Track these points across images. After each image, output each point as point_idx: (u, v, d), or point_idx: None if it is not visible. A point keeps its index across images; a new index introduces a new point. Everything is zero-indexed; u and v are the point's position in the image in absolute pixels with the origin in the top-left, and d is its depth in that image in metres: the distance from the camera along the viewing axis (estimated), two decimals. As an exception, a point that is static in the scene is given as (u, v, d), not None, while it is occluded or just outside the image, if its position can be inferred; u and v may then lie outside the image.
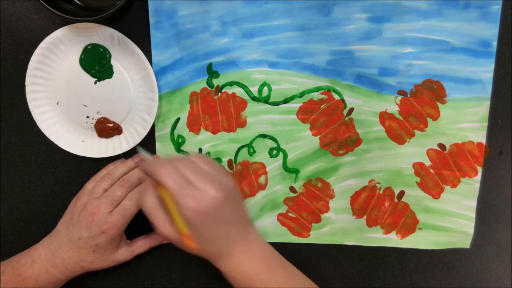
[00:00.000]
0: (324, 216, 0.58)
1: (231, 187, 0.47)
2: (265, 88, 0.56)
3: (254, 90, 0.56)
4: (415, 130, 0.56)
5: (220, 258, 0.48)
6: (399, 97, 0.55)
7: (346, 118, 0.56)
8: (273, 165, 0.58)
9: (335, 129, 0.57)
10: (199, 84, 0.56)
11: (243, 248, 0.48)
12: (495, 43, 0.53)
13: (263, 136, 0.57)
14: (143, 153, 0.52)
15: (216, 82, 0.56)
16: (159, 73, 0.55)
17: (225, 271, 0.48)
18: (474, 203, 0.57)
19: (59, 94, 0.55)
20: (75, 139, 0.57)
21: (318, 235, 0.59)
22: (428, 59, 0.54)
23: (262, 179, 0.58)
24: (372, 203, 0.58)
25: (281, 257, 0.51)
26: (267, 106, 0.56)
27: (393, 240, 0.58)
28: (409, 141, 0.56)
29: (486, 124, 0.55)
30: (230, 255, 0.47)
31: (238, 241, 0.48)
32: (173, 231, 0.46)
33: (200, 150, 0.57)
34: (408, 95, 0.55)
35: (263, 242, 0.50)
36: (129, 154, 0.56)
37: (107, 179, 0.54)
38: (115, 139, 0.57)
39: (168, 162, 0.46)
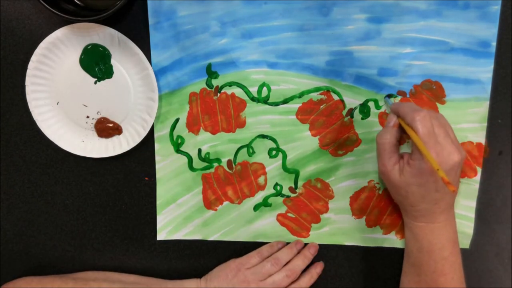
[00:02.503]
0: (323, 216, 0.58)
1: (463, 159, 0.49)
2: (265, 88, 0.56)
3: (254, 90, 0.56)
4: (414, 130, 0.56)
5: (421, 218, 0.51)
6: (399, 98, 0.55)
7: (346, 119, 0.56)
8: (273, 166, 0.58)
9: (335, 130, 0.57)
10: (199, 85, 0.56)
11: (443, 220, 0.51)
12: (494, 43, 0.53)
13: (263, 136, 0.57)
14: (388, 103, 0.54)
15: (215, 82, 0.56)
16: (159, 73, 0.55)
17: (417, 230, 0.52)
18: (473, 203, 0.57)
19: (59, 94, 0.56)
20: (75, 139, 0.57)
21: (318, 236, 0.59)
22: (427, 59, 0.54)
23: (261, 180, 0.58)
24: (371, 203, 0.58)
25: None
26: (267, 106, 0.56)
27: (392, 240, 0.58)
28: (408, 141, 0.56)
29: (485, 124, 0.55)
30: (430, 221, 0.51)
31: (443, 213, 0.50)
32: (392, 169, 0.50)
33: (200, 150, 0.57)
34: (408, 96, 0.55)
35: (456, 226, 0.53)
36: (129, 154, 0.57)
37: (275, 265, 0.56)
38: (115, 139, 0.57)
39: (424, 111, 0.47)
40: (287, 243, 0.59)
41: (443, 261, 0.51)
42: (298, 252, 0.58)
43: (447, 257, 0.51)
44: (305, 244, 0.59)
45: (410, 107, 0.48)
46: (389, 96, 0.55)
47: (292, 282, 0.56)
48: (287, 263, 0.56)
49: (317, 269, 0.58)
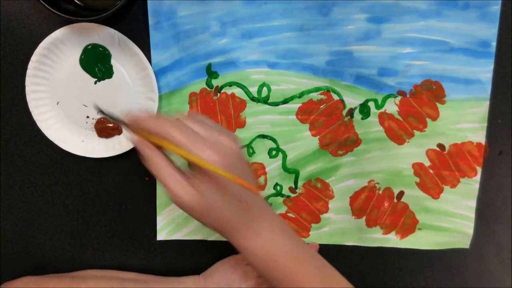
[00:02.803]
0: (323, 216, 0.58)
1: (240, 141, 0.42)
2: (265, 88, 0.56)
3: (254, 90, 0.56)
4: (414, 131, 0.56)
5: (242, 228, 0.43)
6: (399, 98, 0.55)
7: (346, 119, 0.56)
8: (273, 166, 0.58)
9: (335, 130, 0.57)
10: (199, 85, 0.56)
11: (264, 218, 0.44)
12: (494, 43, 0.53)
13: (263, 136, 0.57)
14: (111, 114, 0.45)
15: (215, 82, 0.56)
16: (159, 73, 0.55)
17: (246, 243, 0.43)
18: (473, 203, 0.57)
19: (59, 94, 0.56)
20: (75, 139, 0.57)
21: (318, 236, 0.59)
22: (427, 59, 0.54)
23: (261, 180, 0.58)
24: (371, 203, 0.58)
25: (295, 233, 0.47)
26: (267, 106, 0.56)
27: (392, 240, 0.58)
28: (408, 142, 0.56)
29: (485, 124, 0.55)
30: (252, 225, 0.43)
31: (262, 214, 0.44)
32: (189, 190, 0.39)
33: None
34: (408, 96, 0.55)
35: (275, 213, 0.47)
36: (129, 154, 0.57)
37: None
38: (115, 139, 0.57)
39: (172, 118, 0.40)
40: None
41: (288, 259, 0.44)
42: None
43: (288, 253, 0.44)
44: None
45: (151, 119, 0.40)
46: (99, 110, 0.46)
47: None
48: None
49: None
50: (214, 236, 0.59)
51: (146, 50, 0.54)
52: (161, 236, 0.59)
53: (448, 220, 0.57)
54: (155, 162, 0.40)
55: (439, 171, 0.56)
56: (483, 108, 0.55)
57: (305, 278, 0.44)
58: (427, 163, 0.56)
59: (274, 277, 0.44)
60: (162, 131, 0.39)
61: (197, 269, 0.60)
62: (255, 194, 0.41)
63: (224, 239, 0.59)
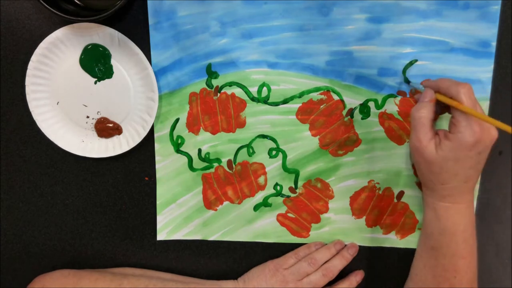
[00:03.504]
0: (323, 216, 0.58)
1: (494, 140, 0.48)
2: (265, 88, 0.56)
3: (254, 90, 0.56)
4: (414, 130, 0.56)
5: (448, 197, 0.50)
6: (399, 98, 0.55)
7: (346, 119, 0.56)
8: (273, 166, 0.58)
9: (335, 130, 0.57)
10: (199, 85, 0.56)
11: (467, 201, 0.51)
12: (494, 43, 0.53)
13: (263, 136, 0.57)
14: (416, 86, 0.54)
15: (215, 82, 0.56)
16: (159, 73, 0.55)
17: (441, 210, 0.51)
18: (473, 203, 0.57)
19: (59, 94, 0.56)
20: (75, 139, 0.57)
21: (318, 236, 0.59)
22: (427, 59, 0.54)
23: (261, 180, 0.58)
24: (371, 203, 0.58)
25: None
26: (267, 106, 0.56)
27: (392, 240, 0.58)
28: (408, 141, 0.56)
29: (485, 124, 0.55)
30: (457, 201, 0.50)
31: (469, 193, 0.51)
32: (428, 144, 0.48)
33: (200, 150, 0.57)
34: (408, 96, 0.55)
35: (473, 209, 0.53)
36: (129, 154, 0.57)
37: (312, 265, 0.56)
38: (115, 139, 0.57)
39: (467, 84, 0.47)
40: (325, 244, 0.59)
41: (464, 243, 0.51)
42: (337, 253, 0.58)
43: (468, 239, 0.51)
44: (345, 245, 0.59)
45: (451, 81, 0.48)
46: (407, 81, 0.55)
47: (330, 285, 0.57)
48: (325, 263, 0.57)
49: (357, 277, 0.58)
50: (214, 236, 0.59)
51: (146, 50, 0.54)
52: (161, 236, 0.59)
53: (448, 220, 0.57)
54: (423, 110, 0.49)
55: (439, 171, 0.56)
56: (483, 108, 0.55)
57: (466, 260, 0.51)
58: (427, 163, 0.56)
59: (441, 248, 0.51)
60: (456, 93, 0.47)
61: (197, 269, 0.60)
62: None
63: (224, 239, 0.60)
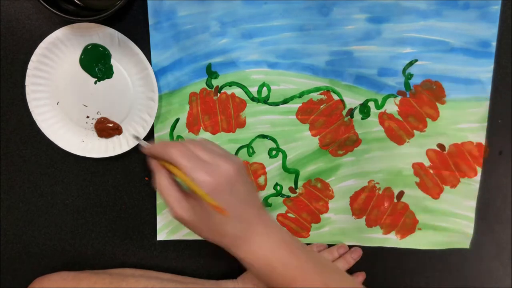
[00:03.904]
0: (323, 216, 0.58)
1: (242, 165, 0.46)
2: (265, 88, 0.56)
3: (254, 90, 0.56)
4: (414, 131, 0.56)
5: (238, 243, 0.46)
6: (399, 98, 0.55)
7: (346, 119, 0.56)
8: (273, 166, 0.58)
9: (335, 130, 0.57)
10: (199, 85, 0.56)
11: (261, 231, 0.46)
12: (494, 43, 0.53)
13: (263, 136, 0.57)
14: (143, 142, 0.51)
15: (215, 82, 0.56)
16: (159, 73, 0.55)
17: (244, 257, 0.46)
18: (473, 203, 0.57)
19: (59, 94, 0.56)
20: (75, 139, 0.57)
21: (318, 236, 0.59)
22: (427, 59, 0.54)
23: (261, 180, 0.58)
24: (371, 203, 0.58)
25: (299, 240, 0.49)
26: (267, 106, 0.56)
27: (392, 240, 0.58)
28: (408, 142, 0.56)
29: (485, 124, 0.55)
30: (248, 239, 0.46)
31: (255, 224, 0.46)
32: (187, 209, 0.44)
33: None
34: (408, 96, 0.55)
35: (279, 225, 0.49)
36: (129, 154, 0.57)
37: None
38: (115, 139, 0.57)
39: (179, 143, 0.46)
40: (327, 246, 0.59)
41: (285, 267, 0.45)
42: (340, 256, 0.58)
43: (286, 261, 0.46)
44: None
45: (161, 146, 0.46)
46: (136, 137, 0.53)
47: None
48: None
49: (359, 278, 0.58)
50: None
51: (146, 50, 0.54)
52: (161, 236, 0.59)
53: (448, 220, 0.57)
54: (160, 181, 0.46)
55: (439, 171, 0.56)
56: (483, 108, 0.55)
57: (305, 283, 0.45)
58: (427, 163, 0.56)
59: (273, 285, 0.46)
60: (167, 156, 0.44)
61: (197, 269, 0.60)
62: (224, 215, 0.43)
63: (224, 239, 0.59)
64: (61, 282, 0.55)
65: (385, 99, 0.55)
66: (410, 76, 0.55)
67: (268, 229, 0.47)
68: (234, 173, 0.44)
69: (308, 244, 0.59)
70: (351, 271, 0.59)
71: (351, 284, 0.49)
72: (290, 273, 0.45)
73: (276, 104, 0.56)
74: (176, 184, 0.46)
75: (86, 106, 0.56)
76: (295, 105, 0.56)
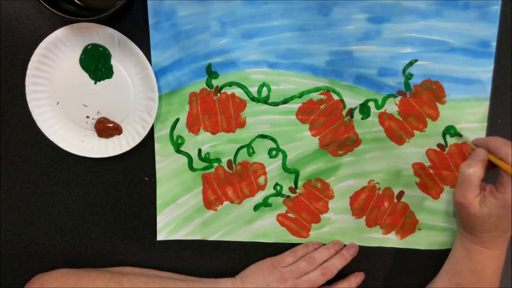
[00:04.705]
0: (323, 216, 0.58)
1: None
2: (265, 88, 0.56)
3: (254, 90, 0.56)
4: (414, 131, 0.56)
5: (489, 243, 0.51)
6: (399, 98, 0.55)
7: (346, 119, 0.56)
8: (273, 166, 0.58)
9: (335, 130, 0.57)
10: (199, 85, 0.56)
11: (503, 249, 0.52)
12: (494, 43, 0.53)
13: (263, 136, 0.57)
14: (468, 138, 0.55)
15: (215, 82, 0.56)
16: (159, 73, 0.55)
17: (477, 254, 0.52)
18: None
19: (59, 94, 0.56)
20: (75, 139, 0.57)
21: (318, 236, 0.59)
22: (427, 59, 0.54)
23: (261, 180, 0.58)
24: (371, 203, 0.58)
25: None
26: (267, 106, 0.56)
27: (392, 240, 0.58)
28: (408, 141, 0.56)
29: (485, 124, 0.55)
30: (495, 247, 0.52)
31: (507, 240, 0.52)
32: (473, 202, 0.50)
33: (200, 150, 0.57)
34: (408, 96, 0.55)
35: (504, 256, 0.54)
36: (129, 154, 0.57)
37: (310, 264, 0.56)
38: (115, 139, 0.57)
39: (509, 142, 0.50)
40: (323, 244, 0.59)
41: (489, 285, 0.52)
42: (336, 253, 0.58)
43: (494, 282, 0.52)
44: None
45: (501, 142, 0.50)
46: (459, 134, 0.55)
47: (328, 285, 0.57)
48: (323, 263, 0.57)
49: (357, 278, 0.58)
50: (214, 236, 0.59)
51: (146, 50, 0.54)
52: (161, 236, 0.59)
53: (448, 220, 0.57)
54: (473, 169, 0.50)
55: (439, 171, 0.56)
56: (483, 108, 0.55)
57: None
58: (427, 163, 0.56)
59: (474, 285, 0.53)
60: (506, 155, 0.49)
61: (197, 269, 0.60)
62: None
63: (224, 239, 0.60)
64: (61, 279, 0.55)
65: (385, 99, 0.55)
66: (410, 76, 0.55)
67: (505, 250, 0.53)
68: None
69: (271, 244, 0.59)
70: (350, 270, 0.59)
71: None
72: (493, 281, 0.53)
73: (276, 104, 0.56)
74: (481, 178, 0.51)
75: (86, 106, 0.56)
76: (295, 105, 0.56)
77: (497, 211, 0.49)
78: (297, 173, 0.58)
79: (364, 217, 0.58)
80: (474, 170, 0.50)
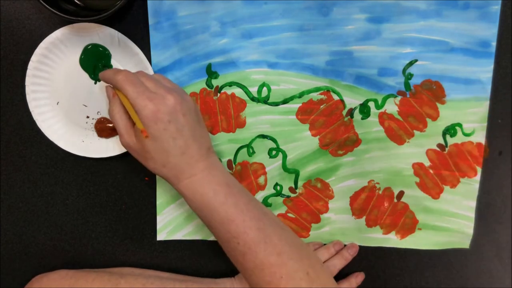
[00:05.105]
0: (323, 216, 0.58)
1: (191, 104, 0.48)
2: (265, 88, 0.56)
3: (254, 90, 0.56)
4: (414, 131, 0.56)
5: (178, 175, 0.47)
6: (399, 98, 0.55)
7: (346, 119, 0.56)
8: (273, 166, 0.58)
9: (335, 130, 0.57)
10: (199, 85, 0.56)
11: (204, 168, 0.47)
12: (494, 43, 0.53)
13: (263, 136, 0.57)
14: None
15: (215, 82, 0.56)
16: (159, 73, 0.55)
17: (184, 190, 0.48)
18: (473, 203, 0.57)
19: (59, 94, 0.56)
20: (75, 139, 0.57)
21: (318, 236, 0.59)
22: (427, 59, 0.54)
23: (261, 180, 0.58)
24: (371, 203, 0.58)
25: (243, 187, 0.50)
26: (267, 106, 0.56)
27: (392, 240, 0.58)
28: (408, 141, 0.56)
29: (485, 124, 0.55)
30: (190, 173, 0.47)
31: (200, 161, 0.47)
32: (133, 137, 0.48)
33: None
34: (408, 96, 0.55)
35: (225, 169, 0.50)
36: (129, 154, 0.56)
37: None
38: (115, 139, 0.57)
39: (128, 71, 0.48)
40: (324, 244, 0.59)
41: (224, 206, 0.47)
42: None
43: (225, 202, 0.47)
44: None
45: (112, 72, 0.49)
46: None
47: None
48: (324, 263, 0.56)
49: (358, 278, 0.58)
50: (214, 236, 0.59)
51: (146, 50, 0.54)
52: (161, 236, 0.59)
53: (448, 220, 0.57)
54: (112, 107, 0.49)
55: (439, 171, 0.56)
56: (483, 108, 0.55)
57: (237, 221, 0.47)
58: (427, 163, 0.56)
59: (210, 224, 0.48)
60: (114, 81, 0.48)
61: (197, 269, 0.60)
62: (145, 138, 0.46)
63: (224, 239, 0.59)
64: (59, 280, 0.55)
65: (385, 99, 0.55)
66: (410, 76, 0.55)
67: (213, 169, 0.48)
68: (178, 108, 0.46)
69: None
70: (350, 271, 0.59)
71: (290, 233, 0.50)
72: (228, 213, 0.46)
73: (276, 104, 0.56)
74: (127, 112, 0.48)
75: (86, 106, 0.56)
76: (295, 105, 0.56)
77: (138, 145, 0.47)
78: (297, 173, 0.58)
79: (364, 217, 0.58)
80: (114, 110, 0.49)
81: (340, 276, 0.58)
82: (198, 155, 0.47)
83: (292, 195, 0.58)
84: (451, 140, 0.56)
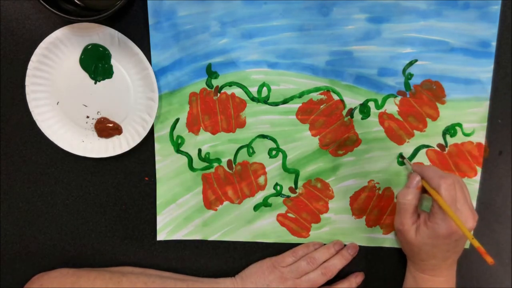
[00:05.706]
0: (323, 216, 0.58)
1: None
2: (265, 88, 0.56)
3: (254, 90, 0.56)
4: (414, 130, 0.56)
5: (430, 270, 0.53)
6: (399, 98, 0.55)
7: (346, 119, 0.56)
8: (273, 166, 0.58)
9: (335, 130, 0.57)
10: (199, 85, 0.56)
11: (448, 275, 0.53)
12: (494, 43, 0.53)
13: (263, 136, 0.57)
14: (409, 163, 0.56)
15: (215, 82, 0.56)
16: (159, 73, 0.55)
17: (422, 281, 0.54)
18: (473, 203, 0.57)
19: (59, 94, 0.56)
20: (75, 139, 0.57)
21: (318, 236, 0.59)
22: (427, 59, 0.54)
23: (261, 180, 0.58)
24: (371, 203, 0.58)
25: None
26: (267, 106, 0.56)
27: (392, 240, 0.58)
28: (408, 141, 0.56)
29: (485, 124, 0.55)
30: (438, 274, 0.53)
31: (449, 268, 0.53)
32: (410, 229, 0.51)
33: (200, 150, 0.57)
34: (408, 96, 0.55)
35: (455, 279, 0.55)
36: (129, 154, 0.57)
37: (311, 264, 0.56)
38: (115, 139, 0.57)
39: (450, 177, 0.49)
40: (324, 244, 0.59)
41: None
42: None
43: None
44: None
45: (436, 172, 0.50)
46: (401, 156, 0.56)
47: (329, 285, 0.57)
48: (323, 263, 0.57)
49: (357, 278, 0.58)
50: (214, 236, 0.59)
51: (146, 50, 0.54)
52: (161, 236, 0.59)
53: (448, 220, 0.57)
54: (408, 198, 0.51)
55: (439, 171, 0.56)
56: (483, 108, 0.55)
57: None
58: (427, 163, 0.56)
59: None
60: (433, 183, 0.50)
61: (197, 269, 0.60)
62: (489, 262, 0.47)
63: (224, 239, 0.60)
64: (60, 279, 0.55)
65: (385, 99, 0.55)
66: (410, 76, 0.55)
67: (450, 276, 0.54)
68: (471, 230, 0.49)
69: (271, 244, 0.59)
70: (350, 271, 0.59)
71: None
72: None
73: (276, 104, 0.56)
74: (417, 206, 0.52)
75: (86, 106, 0.56)
76: (295, 105, 0.56)
77: (429, 240, 0.50)
78: (297, 173, 0.58)
79: (364, 217, 0.58)
80: (408, 199, 0.51)
81: (340, 276, 0.58)
82: (450, 264, 0.53)
83: (292, 195, 0.58)
84: (451, 140, 0.56)
